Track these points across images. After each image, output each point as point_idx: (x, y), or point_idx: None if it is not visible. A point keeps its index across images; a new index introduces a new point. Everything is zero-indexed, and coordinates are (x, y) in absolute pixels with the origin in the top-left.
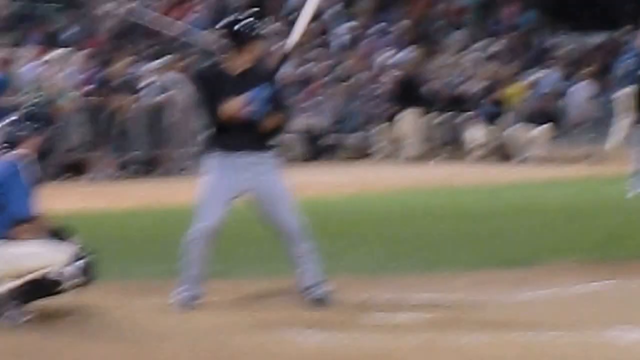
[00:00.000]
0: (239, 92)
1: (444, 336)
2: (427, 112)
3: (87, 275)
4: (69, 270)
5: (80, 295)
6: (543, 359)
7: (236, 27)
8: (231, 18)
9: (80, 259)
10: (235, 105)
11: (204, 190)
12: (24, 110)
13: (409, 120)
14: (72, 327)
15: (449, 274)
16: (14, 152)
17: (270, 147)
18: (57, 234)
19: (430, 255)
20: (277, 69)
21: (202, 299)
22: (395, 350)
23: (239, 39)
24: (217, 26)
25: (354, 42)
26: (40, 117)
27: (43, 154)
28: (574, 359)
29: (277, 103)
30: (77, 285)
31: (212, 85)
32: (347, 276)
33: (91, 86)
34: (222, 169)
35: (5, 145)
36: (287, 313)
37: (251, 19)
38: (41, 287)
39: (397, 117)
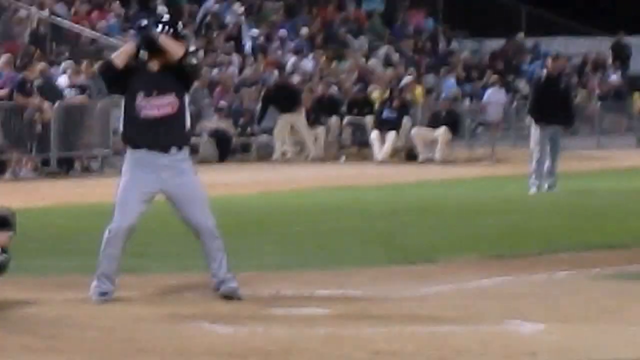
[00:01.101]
0: (154, 85)
1: (347, 328)
2: (332, 115)
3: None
4: None
5: None
6: (443, 351)
7: (151, 31)
8: (146, 21)
9: None
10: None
11: (120, 190)
12: None
13: (301, 124)
14: None
15: (353, 270)
16: None
17: (182, 146)
18: None
19: (334, 251)
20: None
21: (116, 293)
22: (301, 341)
23: (155, 42)
24: (134, 29)
25: (264, 46)
26: None
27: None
28: (472, 350)
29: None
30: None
31: (130, 80)
32: (255, 272)
33: (9, 88)
34: (136, 169)
35: None
36: (198, 307)
37: (165, 22)
38: None
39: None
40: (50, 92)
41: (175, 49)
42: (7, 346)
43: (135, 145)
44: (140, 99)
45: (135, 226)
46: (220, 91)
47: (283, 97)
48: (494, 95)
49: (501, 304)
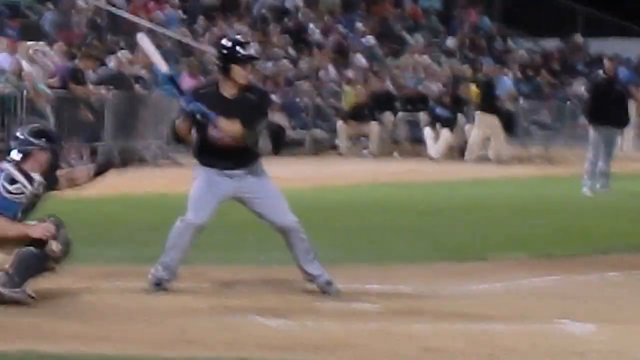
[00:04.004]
0: (226, 114)
1: (397, 324)
2: (386, 111)
3: (68, 249)
4: (56, 245)
5: (52, 279)
6: (491, 349)
7: (223, 51)
8: (223, 42)
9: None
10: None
11: (195, 188)
12: (33, 126)
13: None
14: (43, 307)
15: (403, 265)
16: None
17: (255, 159)
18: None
19: (385, 247)
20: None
21: (173, 284)
22: (350, 336)
23: (225, 63)
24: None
25: (321, 41)
26: (49, 134)
27: (51, 169)
28: (520, 349)
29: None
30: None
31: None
32: None
33: (65, 77)
34: (211, 176)
35: (14, 158)
36: (249, 299)
37: (237, 43)
38: (38, 263)
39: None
40: (122, 82)
41: (233, 134)
42: (57, 334)
43: (205, 165)
44: (211, 127)
45: (205, 225)
46: (273, 85)
47: (485, 96)
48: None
49: (551, 303)
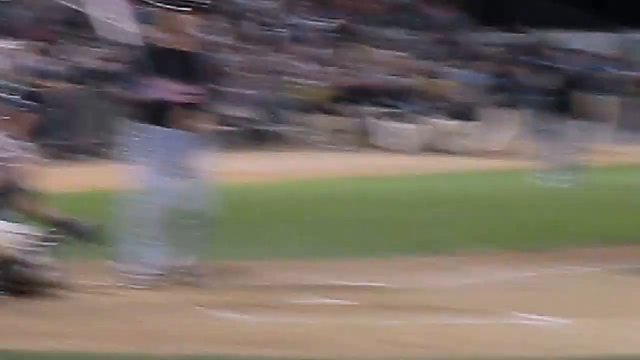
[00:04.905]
0: (185, 69)
1: (369, 319)
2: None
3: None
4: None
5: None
6: (462, 344)
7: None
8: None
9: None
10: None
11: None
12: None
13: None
14: (19, 305)
15: (376, 260)
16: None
17: (192, 128)
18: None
19: (358, 241)
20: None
21: (161, 275)
22: (321, 330)
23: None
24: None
25: (293, 36)
26: (34, 97)
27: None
28: (492, 344)
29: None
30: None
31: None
32: (280, 260)
33: (36, 74)
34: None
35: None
36: (217, 295)
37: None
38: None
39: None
40: (76, 78)
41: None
42: (33, 332)
43: (142, 121)
44: (165, 82)
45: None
46: (247, 79)
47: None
48: None
49: (522, 297)
